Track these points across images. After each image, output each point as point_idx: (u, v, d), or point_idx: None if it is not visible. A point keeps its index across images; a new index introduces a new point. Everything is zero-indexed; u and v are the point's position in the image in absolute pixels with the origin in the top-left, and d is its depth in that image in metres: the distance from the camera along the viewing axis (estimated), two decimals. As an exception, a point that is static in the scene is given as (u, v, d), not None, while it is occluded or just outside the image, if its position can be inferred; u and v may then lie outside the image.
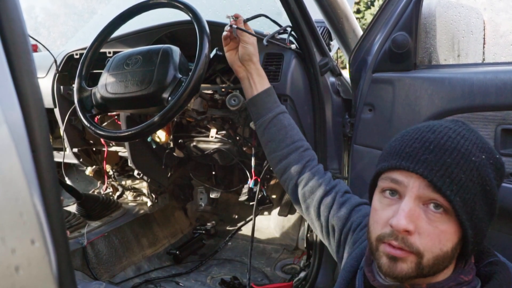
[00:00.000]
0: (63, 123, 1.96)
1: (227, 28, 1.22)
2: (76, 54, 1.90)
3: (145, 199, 2.29)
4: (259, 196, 1.62)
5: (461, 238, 0.70)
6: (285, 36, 1.45)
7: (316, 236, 1.61)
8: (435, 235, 0.68)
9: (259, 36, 1.27)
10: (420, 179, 0.69)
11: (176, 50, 1.34)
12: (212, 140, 1.80)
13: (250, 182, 1.66)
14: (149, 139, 1.84)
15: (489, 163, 0.70)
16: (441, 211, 0.68)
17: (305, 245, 1.86)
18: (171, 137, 1.87)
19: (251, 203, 1.64)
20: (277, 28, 1.43)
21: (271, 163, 1.23)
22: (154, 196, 2.25)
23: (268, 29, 1.52)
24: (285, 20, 1.41)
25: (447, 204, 0.67)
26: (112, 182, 2.28)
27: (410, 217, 0.68)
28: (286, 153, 1.17)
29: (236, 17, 1.24)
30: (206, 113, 1.61)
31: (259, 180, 1.61)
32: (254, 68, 1.22)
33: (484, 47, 1.45)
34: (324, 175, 1.14)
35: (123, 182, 2.30)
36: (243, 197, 1.70)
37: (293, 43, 1.45)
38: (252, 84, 1.23)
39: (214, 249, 2.22)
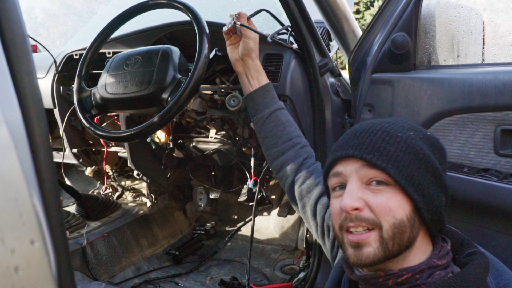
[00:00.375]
0: (62, 123, 1.96)
1: (229, 24, 1.22)
2: (76, 55, 1.90)
3: (144, 199, 2.29)
4: (259, 196, 1.61)
5: (414, 207, 0.73)
6: (285, 36, 1.45)
7: (316, 236, 1.61)
8: (384, 203, 0.72)
9: (261, 34, 1.27)
10: (355, 163, 0.74)
11: (175, 51, 1.34)
12: (211, 140, 1.80)
13: (250, 183, 1.66)
14: (148, 139, 1.84)
15: (419, 138, 0.75)
16: (383, 186, 0.72)
17: (304, 246, 1.86)
18: (171, 137, 1.87)
19: (250, 204, 1.64)
20: (278, 25, 1.43)
21: (267, 160, 1.23)
22: (153, 196, 2.25)
23: (268, 29, 1.52)
24: (285, 21, 1.41)
25: (385, 176, 0.72)
26: (112, 183, 2.28)
27: (354, 196, 0.73)
28: (282, 150, 1.17)
29: (239, 15, 1.24)
30: (206, 113, 1.61)
31: (258, 180, 1.61)
32: (253, 64, 1.23)
33: (483, 47, 1.45)
34: (322, 174, 1.14)
35: (123, 183, 2.30)
36: (242, 198, 1.70)
37: (293, 44, 1.45)
38: (250, 80, 1.23)
39: (213, 249, 2.22)
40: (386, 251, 0.72)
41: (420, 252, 0.76)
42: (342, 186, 0.77)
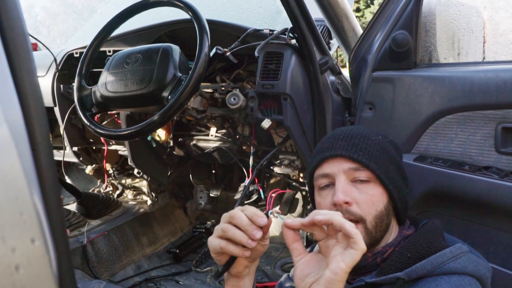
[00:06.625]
0: (63, 121, 1.96)
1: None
2: (76, 53, 1.90)
3: (145, 197, 2.29)
4: (256, 196, 1.61)
5: (389, 198, 0.88)
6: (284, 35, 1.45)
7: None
8: (368, 200, 0.85)
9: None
10: (342, 163, 0.87)
11: (176, 49, 1.34)
12: (212, 138, 1.80)
13: (247, 181, 1.66)
14: (149, 137, 1.84)
15: (386, 141, 0.92)
16: (366, 182, 0.86)
17: (304, 244, 1.86)
18: (171, 135, 1.87)
19: (245, 202, 1.64)
20: (278, 23, 1.42)
21: None
22: (154, 194, 2.25)
23: (268, 27, 1.52)
24: (285, 19, 1.41)
25: (368, 173, 0.86)
26: (112, 181, 2.28)
27: (345, 191, 0.84)
28: None
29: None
30: (206, 111, 1.61)
31: (256, 179, 1.61)
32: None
33: (484, 45, 1.44)
34: None
35: (123, 181, 2.30)
36: (238, 196, 1.70)
37: (292, 39, 1.45)
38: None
39: (214, 247, 2.22)
40: (371, 238, 0.85)
41: (393, 232, 0.91)
42: (330, 185, 0.88)
